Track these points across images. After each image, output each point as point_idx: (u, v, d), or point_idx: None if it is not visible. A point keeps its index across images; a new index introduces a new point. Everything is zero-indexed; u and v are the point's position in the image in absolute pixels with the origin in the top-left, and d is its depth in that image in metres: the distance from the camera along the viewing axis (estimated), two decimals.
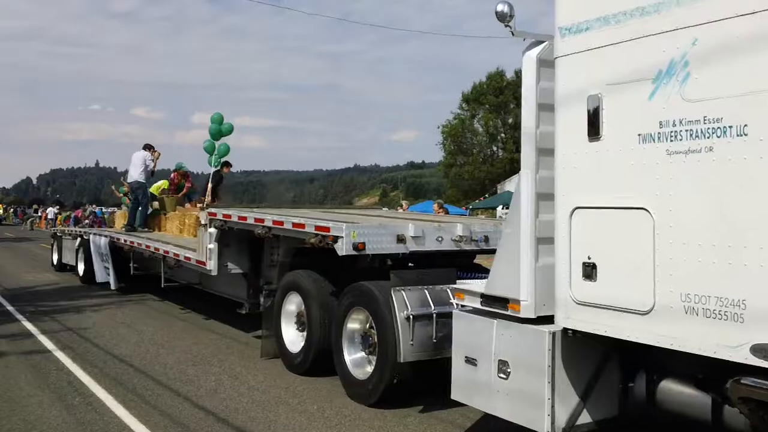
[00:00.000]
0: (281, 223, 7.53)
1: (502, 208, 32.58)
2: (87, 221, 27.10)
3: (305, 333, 7.44)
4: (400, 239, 6.67)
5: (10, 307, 12.11)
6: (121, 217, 16.19)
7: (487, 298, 5.01)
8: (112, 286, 13.56)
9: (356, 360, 6.66)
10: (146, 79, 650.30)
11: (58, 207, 57.31)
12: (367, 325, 6.59)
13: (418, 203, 32.73)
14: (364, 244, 6.46)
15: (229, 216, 8.65)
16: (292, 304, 7.79)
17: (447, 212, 18.48)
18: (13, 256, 24.90)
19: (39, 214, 57.57)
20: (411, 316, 5.90)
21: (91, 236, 14.41)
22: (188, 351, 8.82)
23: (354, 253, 6.45)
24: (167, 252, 10.62)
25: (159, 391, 6.93)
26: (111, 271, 13.54)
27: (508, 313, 4.79)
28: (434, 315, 5.97)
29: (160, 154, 14.80)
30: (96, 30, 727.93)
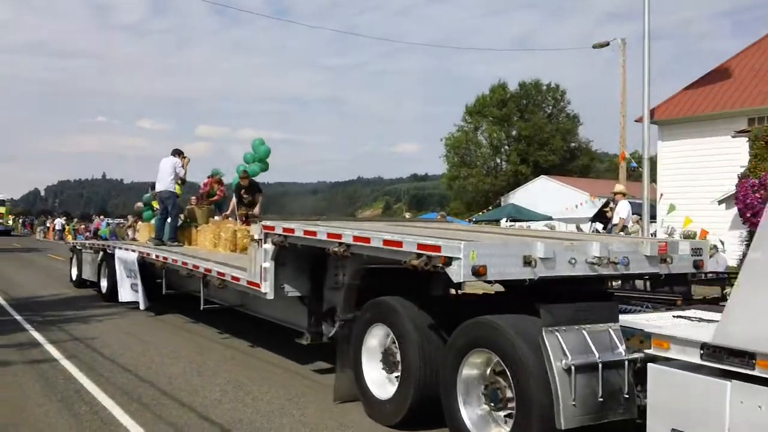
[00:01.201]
0: (367, 239, 6.10)
1: (506, 221, 31.57)
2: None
3: (396, 375, 6.04)
4: (527, 261, 5.23)
5: (18, 317, 11.93)
6: (145, 230, 14.74)
7: (714, 350, 3.62)
8: (142, 306, 12.03)
9: (477, 418, 5.17)
10: (151, 92, 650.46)
11: (65, 218, 56.01)
12: (490, 372, 5.17)
13: (421, 215, 32.03)
14: (485, 267, 5.04)
15: (292, 230, 7.23)
16: (376, 338, 6.38)
17: None
18: (20, 266, 23.95)
19: (47, 225, 56.33)
20: (572, 367, 4.44)
21: (117, 250, 12.85)
22: (193, 361, 8.66)
23: (472, 279, 5.05)
24: (209, 270, 9.18)
25: (164, 400, 6.86)
26: (140, 290, 11.95)
27: (755, 373, 3.40)
28: (599, 365, 4.54)
29: (189, 159, 13.50)
30: (100, 43, 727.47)
